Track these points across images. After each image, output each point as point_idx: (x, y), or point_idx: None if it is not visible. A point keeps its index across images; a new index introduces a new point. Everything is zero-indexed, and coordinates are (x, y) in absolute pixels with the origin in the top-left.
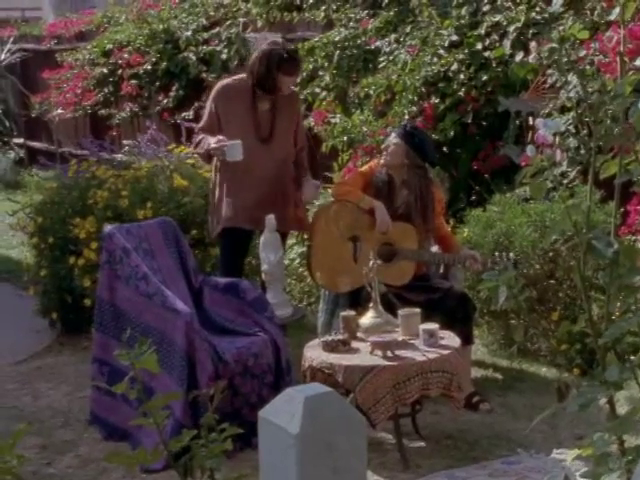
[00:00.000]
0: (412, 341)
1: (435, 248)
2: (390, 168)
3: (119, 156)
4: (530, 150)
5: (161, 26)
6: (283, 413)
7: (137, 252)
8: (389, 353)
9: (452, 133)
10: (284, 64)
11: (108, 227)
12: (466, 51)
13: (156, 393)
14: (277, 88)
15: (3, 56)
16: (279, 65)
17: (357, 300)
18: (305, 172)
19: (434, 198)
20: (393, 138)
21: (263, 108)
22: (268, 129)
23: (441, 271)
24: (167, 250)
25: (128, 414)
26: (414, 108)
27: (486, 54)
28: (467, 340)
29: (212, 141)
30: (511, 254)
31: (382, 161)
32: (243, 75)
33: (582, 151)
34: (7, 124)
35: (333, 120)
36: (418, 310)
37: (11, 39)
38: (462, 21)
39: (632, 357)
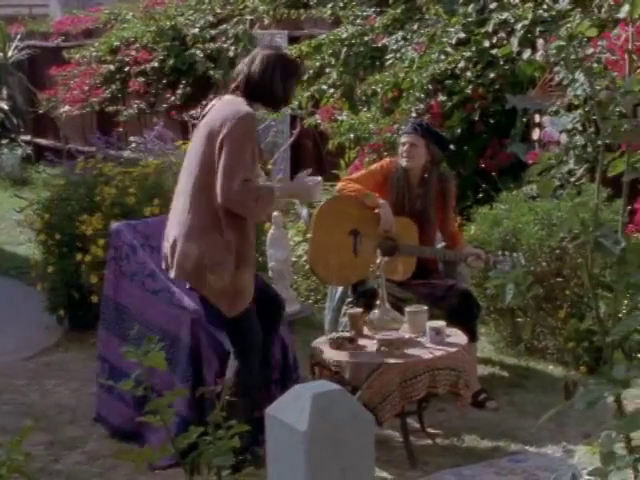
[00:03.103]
0: (419, 338)
1: (441, 244)
2: (412, 169)
3: (126, 153)
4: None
5: (168, 23)
6: (291, 410)
7: (144, 249)
8: (396, 350)
9: (459, 131)
10: (294, 69)
11: (115, 224)
12: (473, 49)
13: (157, 390)
14: (288, 101)
15: (11, 53)
16: (295, 70)
17: (357, 294)
18: None
19: (452, 193)
20: (411, 139)
21: None
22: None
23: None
24: None
25: (125, 414)
26: (421, 105)
27: (493, 52)
28: (472, 337)
29: (284, 184)
30: (514, 253)
31: (404, 164)
32: (238, 98)
33: (589, 149)
34: (14, 121)
35: (340, 117)
36: (425, 307)
37: (18, 36)
38: (469, 19)
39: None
